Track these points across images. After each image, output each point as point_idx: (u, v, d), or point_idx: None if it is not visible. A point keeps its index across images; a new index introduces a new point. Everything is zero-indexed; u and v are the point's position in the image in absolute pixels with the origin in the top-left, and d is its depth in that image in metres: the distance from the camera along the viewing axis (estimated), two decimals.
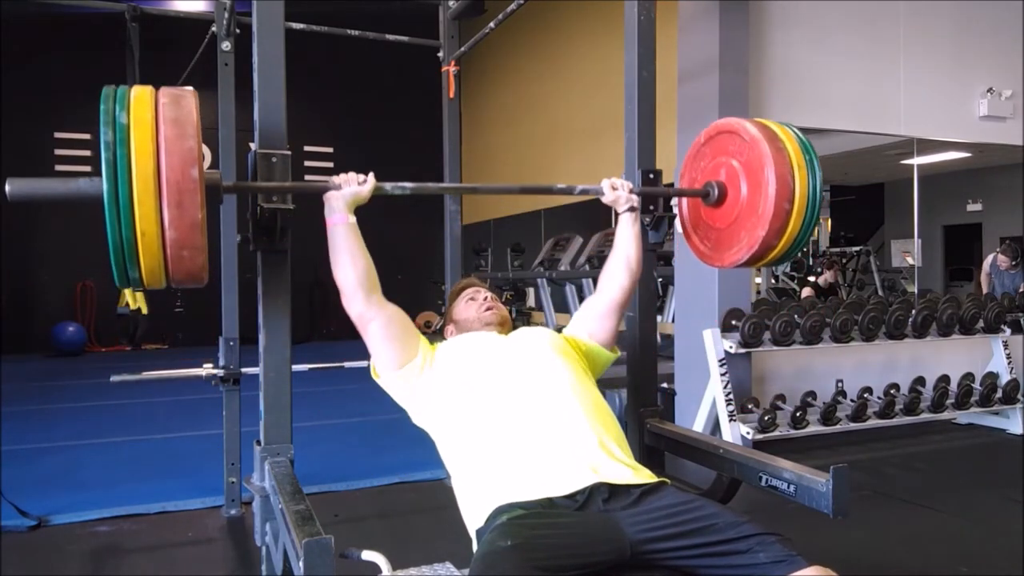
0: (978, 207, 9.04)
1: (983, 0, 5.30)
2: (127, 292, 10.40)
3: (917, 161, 5.87)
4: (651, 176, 2.17)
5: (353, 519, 3.41)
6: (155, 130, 1.36)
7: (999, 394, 4.89)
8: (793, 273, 8.16)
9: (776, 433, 4.21)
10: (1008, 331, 5.03)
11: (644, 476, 1.57)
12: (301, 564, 1.23)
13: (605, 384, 1.98)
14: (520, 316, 9.03)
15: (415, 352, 1.76)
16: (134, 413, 6.03)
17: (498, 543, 1.35)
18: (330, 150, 12.22)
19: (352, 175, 1.73)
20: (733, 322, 4.24)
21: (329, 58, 10.78)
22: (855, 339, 4.50)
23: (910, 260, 7.10)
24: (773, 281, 7.86)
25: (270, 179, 1.71)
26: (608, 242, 7.03)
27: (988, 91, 5.28)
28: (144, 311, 10.87)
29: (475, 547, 1.52)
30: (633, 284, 1.98)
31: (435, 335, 2.11)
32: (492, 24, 3.31)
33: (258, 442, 1.85)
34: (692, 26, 4.60)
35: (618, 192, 1.97)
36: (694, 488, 1.89)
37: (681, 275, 4.78)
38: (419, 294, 11.69)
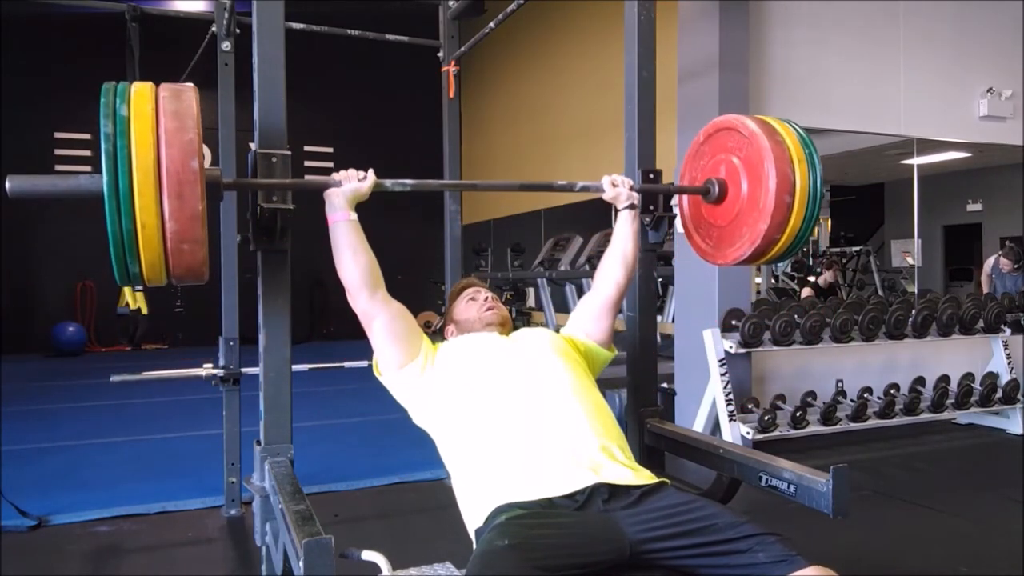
0: (978, 207, 9.03)
1: (983, 0, 5.30)
2: (127, 292, 10.40)
3: (917, 161, 5.87)
4: (651, 176, 2.18)
5: (353, 519, 3.41)
6: (155, 122, 1.36)
7: (999, 394, 4.89)
8: (793, 273, 8.16)
9: (776, 433, 4.21)
10: (1008, 331, 5.04)
11: (644, 477, 1.57)
12: (301, 564, 1.23)
13: (605, 384, 1.98)
14: (520, 316, 9.03)
15: (417, 351, 1.76)
16: (134, 413, 6.03)
17: (496, 542, 1.35)
18: (330, 150, 12.21)
19: (352, 172, 1.74)
20: (733, 322, 4.24)
21: (329, 58, 10.78)
22: (855, 339, 4.50)
23: (910, 260, 7.10)
24: (773, 281, 7.85)
25: (270, 178, 1.71)
26: (608, 242, 7.03)
27: (988, 91, 5.28)
28: (144, 311, 10.87)
29: (474, 546, 1.52)
30: (628, 281, 1.98)
31: (435, 335, 2.11)
32: (492, 24, 3.31)
33: (258, 442, 1.85)
34: (692, 26, 4.60)
35: (618, 189, 1.98)
36: (694, 488, 1.89)
37: (681, 275, 4.78)
38: (419, 294, 11.68)
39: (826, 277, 7.54)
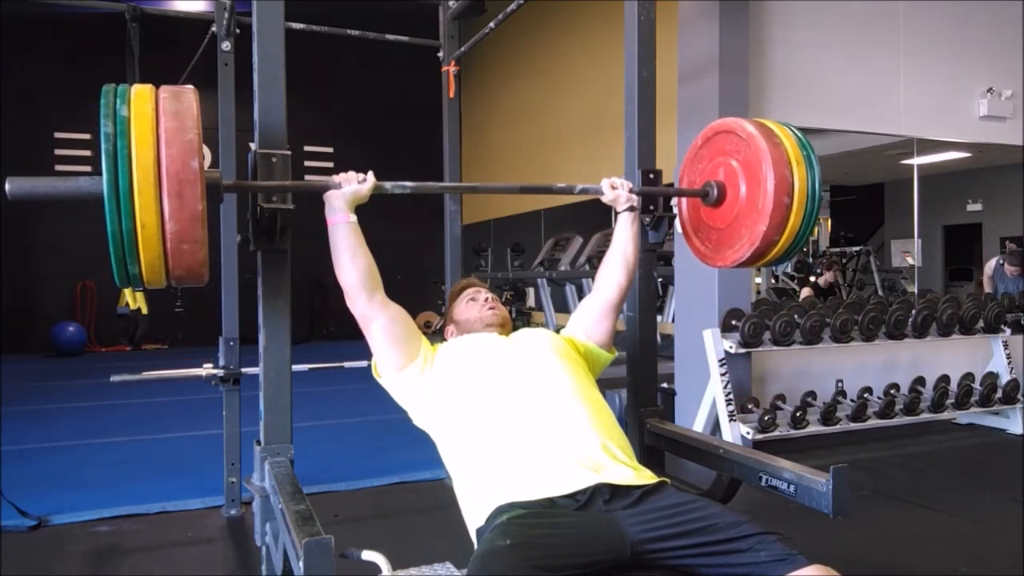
0: (978, 207, 9.04)
1: (983, 1, 5.30)
2: (127, 292, 10.37)
3: (917, 161, 5.87)
4: (651, 176, 2.17)
5: (353, 519, 3.41)
6: (155, 123, 1.36)
7: (999, 394, 4.89)
8: (793, 273, 8.16)
9: (776, 433, 4.21)
10: (1008, 331, 5.04)
11: (645, 477, 1.57)
12: (301, 564, 1.23)
13: (605, 384, 1.99)
14: (520, 316, 9.04)
15: (416, 353, 1.76)
16: (134, 413, 6.03)
17: (497, 542, 1.35)
18: (330, 150, 12.22)
19: (352, 174, 1.73)
20: (733, 322, 4.24)
21: (329, 58, 10.78)
22: (855, 339, 4.50)
23: (910, 260, 7.10)
24: (773, 281, 7.86)
25: (270, 179, 1.71)
26: (608, 242, 7.03)
27: (988, 91, 5.28)
28: (144, 311, 10.83)
29: (475, 547, 1.52)
30: (629, 283, 1.98)
31: (435, 335, 2.11)
32: (492, 24, 3.31)
33: (258, 442, 1.85)
34: (692, 26, 4.60)
35: (617, 191, 1.98)
36: (694, 488, 1.89)
37: (681, 275, 4.78)
38: (419, 294, 11.69)
39: (826, 277, 7.54)
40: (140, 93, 1.39)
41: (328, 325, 11.43)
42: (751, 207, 1.78)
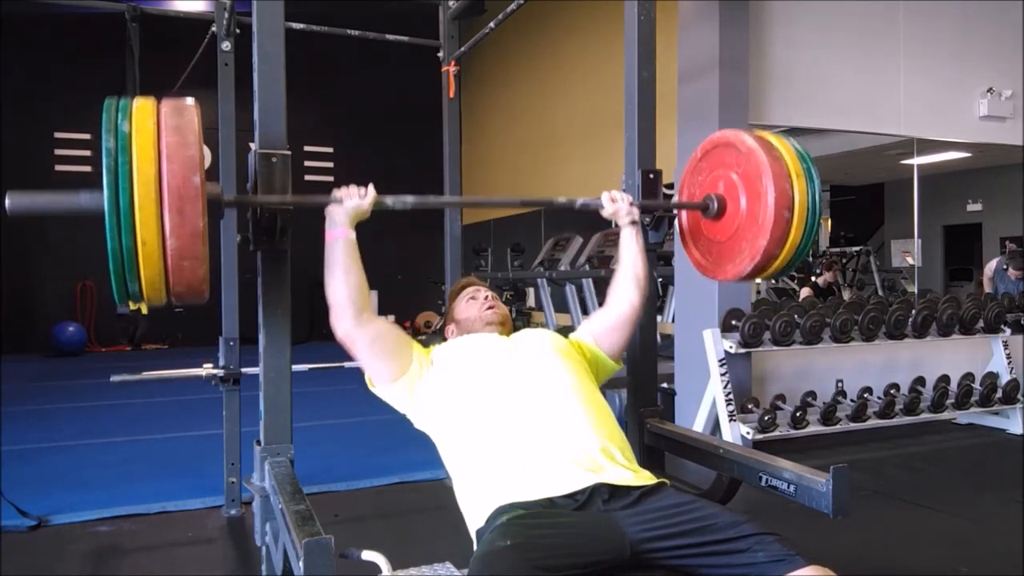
0: (978, 207, 9.04)
1: (983, 1, 5.30)
2: None
3: (917, 161, 5.88)
4: (651, 176, 2.17)
5: (353, 519, 3.41)
6: (157, 138, 1.35)
7: (999, 394, 4.89)
8: (793, 273, 8.16)
9: (776, 433, 4.21)
10: (1008, 331, 5.04)
11: (644, 478, 1.57)
12: (301, 564, 1.23)
13: (605, 384, 1.98)
14: (520, 316, 9.03)
15: (408, 363, 1.75)
16: (134, 413, 6.03)
17: (497, 543, 1.35)
18: (330, 150, 12.23)
19: (353, 188, 1.72)
20: (733, 322, 4.24)
21: (329, 58, 10.79)
22: (855, 339, 4.50)
23: (910, 260, 7.11)
24: (773, 281, 7.85)
25: (270, 179, 1.71)
26: (608, 242, 7.03)
27: (988, 91, 5.28)
28: (144, 311, 10.84)
29: (475, 547, 1.52)
30: (643, 300, 1.96)
31: (435, 335, 2.10)
32: (492, 24, 3.31)
33: (258, 442, 1.85)
34: (692, 26, 4.60)
35: (618, 205, 1.96)
36: (694, 488, 1.89)
37: (681, 275, 4.78)
38: (419, 294, 11.69)
39: (826, 277, 7.54)
40: (142, 107, 1.38)
41: (328, 325, 11.41)
42: (752, 221, 1.78)
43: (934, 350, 5.04)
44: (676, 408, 4.63)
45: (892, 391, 4.64)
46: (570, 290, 7.58)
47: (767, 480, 1.73)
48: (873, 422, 4.52)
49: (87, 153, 11.14)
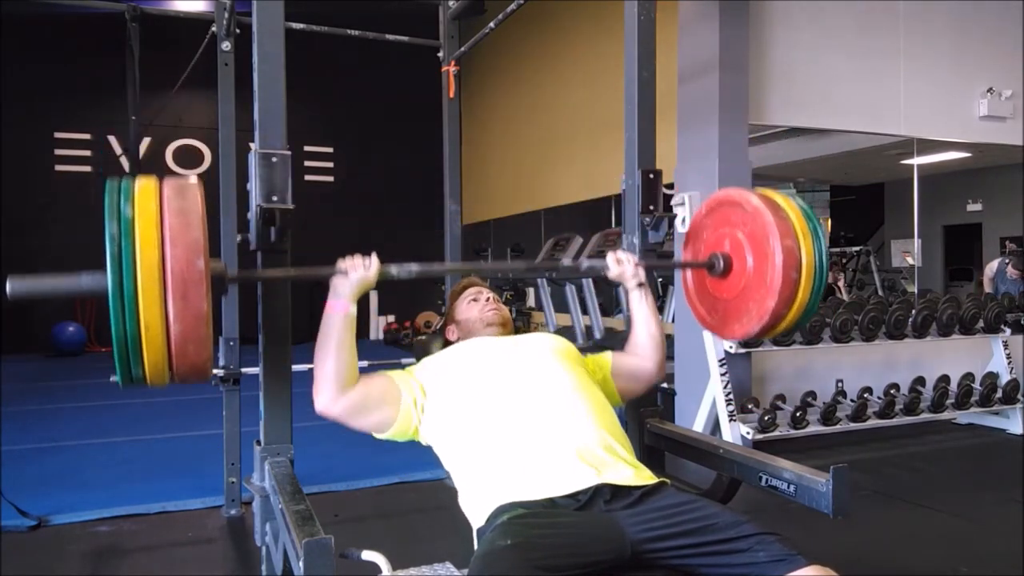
0: (978, 207, 9.05)
1: (983, 0, 5.30)
2: None
3: (917, 161, 5.88)
4: (651, 176, 2.17)
5: (353, 519, 3.41)
6: (160, 220, 1.33)
7: (999, 394, 4.89)
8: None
9: (776, 433, 4.21)
10: (1008, 331, 5.03)
11: (645, 477, 1.57)
12: (301, 564, 1.23)
13: None
14: (520, 316, 9.03)
15: (397, 407, 1.71)
16: (134, 413, 6.03)
17: (498, 542, 1.35)
18: (330, 150, 12.22)
19: (358, 259, 1.69)
20: None
21: (329, 58, 10.78)
22: (855, 339, 4.50)
23: (910, 260, 7.11)
24: None
25: (270, 179, 1.71)
26: (608, 242, 7.03)
27: (988, 91, 5.28)
28: None
29: (475, 547, 1.52)
30: (662, 363, 1.96)
31: (435, 335, 2.10)
32: (492, 24, 3.31)
33: (258, 442, 1.85)
34: (692, 26, 4.60)
35: (623, 267, 1.94)
36: (694, 488, 1.89)
37: (681, 275, 4.77)
38: (419, 294, 11.69)
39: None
40: (144, 189, 1.37)
41: None
42: (759, 281, 1.76)
43: (934, 350, 5.04)
44: (676, 408, 4.63)
45: (892, 391, 4.64)
46: (570, 290, 7.58)
47: (767, 480, 1.73)
48: (873, 422, 4.52)
49: (87, 153, 11.13)
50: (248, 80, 1.84)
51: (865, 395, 4.60)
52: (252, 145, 1.76)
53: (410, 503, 3.63)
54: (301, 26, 3.62)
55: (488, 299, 2.02)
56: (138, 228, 1.32)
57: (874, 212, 9.64)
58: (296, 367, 1.90)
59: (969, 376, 4.90)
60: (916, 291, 6.44)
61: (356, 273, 1.67)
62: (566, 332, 6.33)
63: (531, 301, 9.43)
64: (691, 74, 4.55)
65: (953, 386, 4.83)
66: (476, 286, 2.08)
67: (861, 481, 3.90)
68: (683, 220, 4.49)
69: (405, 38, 4.03)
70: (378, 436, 1.76)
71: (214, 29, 3.48)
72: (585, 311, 6.82)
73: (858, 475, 3.99)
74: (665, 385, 4.64)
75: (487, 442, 1.63)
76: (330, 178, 12.23)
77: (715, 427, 4.29)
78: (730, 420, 4.16)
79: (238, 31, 3.39)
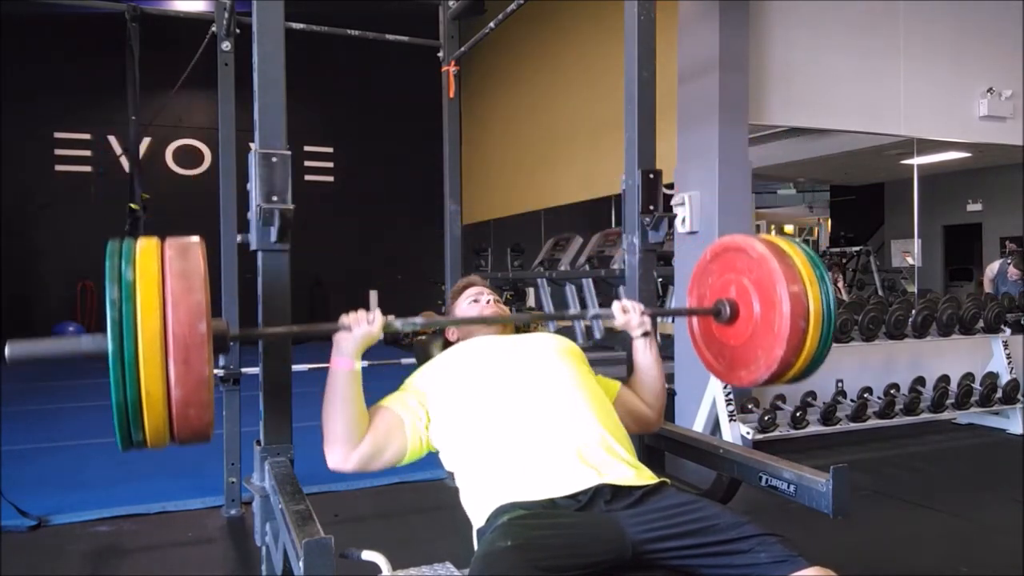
0: (978, 207, 9.05)
1: (983, 0, 5.30)
2: None
3: (917, 161, 5.88)
4: (651, 176, 2.17)
5: (353, 519, 3.41)
6: (161, 283, 1.31)
7: (999, 394, 4.89)
8: None
9: (776, 433, 4.21)
10: (1008, 331, 5.03)
11: (646, 477, 1.57)
12: (301, 564, 1.23)
13: None
14: None
15: (403, 435, 1.70)
16: None
17: (498, 543, 1.35)
18: (330, 150, 12.21)
19: (362, 314, 1.68)
20: None
21: (329, 58, 10.78)
22: (855, 339, 4.50)
23: (910, 260, 7.11)
24: None
25: (270, 179, 1.71)
26: (608, 242, 7.03)
27: (988, 91, 5.28)
28: None
29: (475, 547, 1.52)
30: (661, 412, 1.98)
31: (435, 335, 2.10)
32: (492, 24, 3.31)
33: (258, 442, 1.85)
34: (692, 26, 4.60)
35: (629, 316, 1.94)
36: (694, 488, 1.89)
37: (681, 275, 4.78)
38: (419, 294, 11.68)
39: None
40: (146, 251, 1.35)
41: None
42: (767, 329, 1.74)
43: (934, 350, 5.04)
44: (676, 408, 4.63)
45: (892, 391, 4.64)
46: (570, 290, 7.59)
47: (767, 480, 1.73)
48: (873, 422, 4.52)
49: (87, 153, 11.14)
50: (248, 80, 1.84)
51: (865, 395, 4.60)
52: (252, 145, 1.76)
53: (410, 503, 3.63)
54: (301, 26, 3.62)
55: (489, 301, 2.03)
56: (139, 292, 1.29)
57: (874, 212, 9.64)
58: (296, 367, 1.90)
59: (969, 376, 4.90)
60: (916, 291, 6.45)
61: (360, 328, 1.65)
62: (566, 332, 6.33)
63: (531, 301, 9.43)
64: (691, 74, 4.55)
65: (953, 386, 4.83)
66: (476, 286, 2.08)
67: (861, 481, 3.90)
68: (683, 220, 4.49)
69: (405, 38, 4.03)
70: (400, 465, 1.76)
71: (214, 29, 3.48)
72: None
73: (858, 475, 3.99)
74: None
75: (487, 442, 1.63)
76: (330, 178, 12.22)
77: (715, 427, 4.28)
78: (730, 420, 4.16)
79: (238, 31, 3.39)
